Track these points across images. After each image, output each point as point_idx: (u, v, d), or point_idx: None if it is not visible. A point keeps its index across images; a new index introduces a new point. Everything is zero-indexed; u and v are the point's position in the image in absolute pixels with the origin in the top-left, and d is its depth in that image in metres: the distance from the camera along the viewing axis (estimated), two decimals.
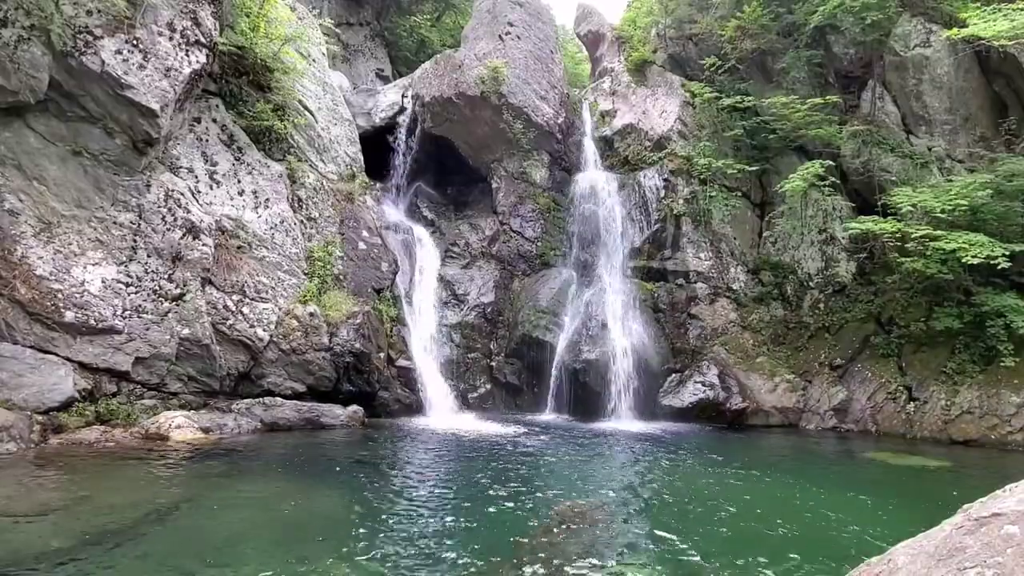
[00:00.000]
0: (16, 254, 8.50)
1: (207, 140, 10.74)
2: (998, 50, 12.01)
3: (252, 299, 10.48)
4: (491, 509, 6.10)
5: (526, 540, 5.23)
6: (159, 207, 9.61)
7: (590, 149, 17.40)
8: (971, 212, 11.83)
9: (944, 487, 8.41)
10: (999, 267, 10.92)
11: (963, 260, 11.20)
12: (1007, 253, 10.88)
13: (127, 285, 9.24)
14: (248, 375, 10.39)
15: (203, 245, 9.92)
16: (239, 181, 10.98)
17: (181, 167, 10.30)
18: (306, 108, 12.90)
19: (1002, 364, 11.53)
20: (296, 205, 11.93)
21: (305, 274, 11.43)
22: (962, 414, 11.71)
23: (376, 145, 15.92)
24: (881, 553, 2.49)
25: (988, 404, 11.55)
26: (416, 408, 12.20)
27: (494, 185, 16.54)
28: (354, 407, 10.76)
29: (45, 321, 8.57)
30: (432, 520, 5.77)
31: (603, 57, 21.52)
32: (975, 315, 12.15)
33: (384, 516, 5.84)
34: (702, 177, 15.66)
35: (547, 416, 13.35)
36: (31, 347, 8.45)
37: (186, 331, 9.60)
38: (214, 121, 10.90)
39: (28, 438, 7.56)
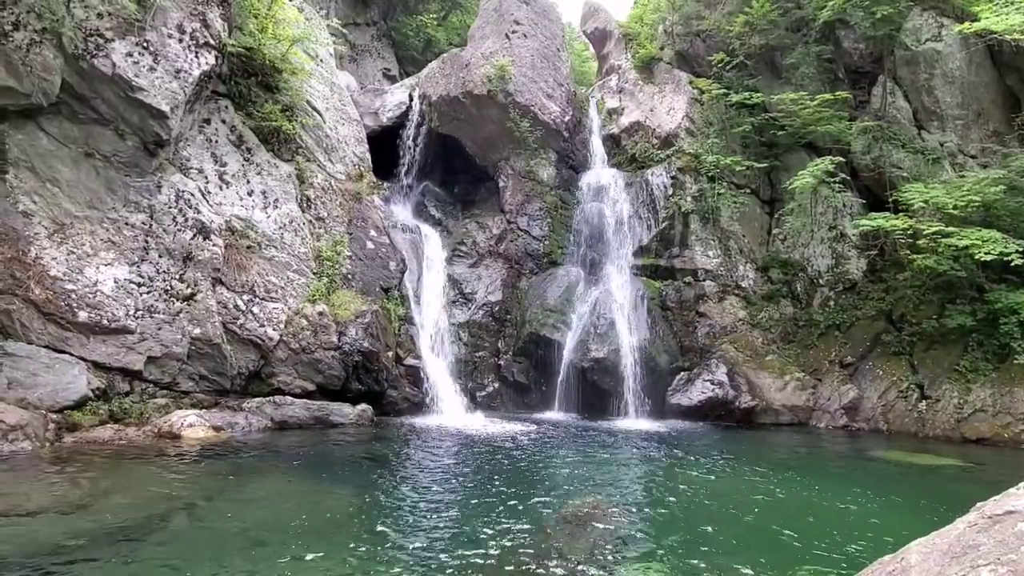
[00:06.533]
0: (30, 255, 8.61)
1: (217, 141, 10.82)
2: (1011, 44, 11.88)
3: (262, 299, 10.56)
4: (499, 507, 6.11)
5: (534, 538, 5.24)
6: (170, 208, 9.70)
7: (597, 147, 17.37)
8: (984, 208, 11.72)
9: (957, 485, 8.35)
10: (1012, 264, 10.82)
11: (976, 257, 11.09)
12: (1020, 249, 10.78)
13: (139, 285, 9.33)
14: (258, 374, 10.47)
15: (213, 245, 10.00)
16: (248, 181, 11.06)
17: (191, 168, 10.38)
18: (314, 108, 12.96)
19: (1016, 362, 11.41)
20: (305, 205, 12.00)
21: (314, 273, 11.50)
22: (975, 412, 11.60)
23: (383, 145, 15.96)
24: (894, 551, 2.48)
25: (1001, 402, 11.44)
26: (424, 407, 12.25)
27: (501, 184, 16.54)
28: (363, 405, 10.82)
29: (59, 321, 8.67)
30: (441, 518, 5.80)
31: (610, 54, 21.46)
32: (988, 312, 12.04)
33: (394, 513, 5.88)
34: (710, 174, 15.60)
35: (555, 415, 13.35)
36: (45, 347, 8.56)
37: (197, 331, 9.68)
38: (223, 122, 10.97)
39: (43, 436, 7.66)
